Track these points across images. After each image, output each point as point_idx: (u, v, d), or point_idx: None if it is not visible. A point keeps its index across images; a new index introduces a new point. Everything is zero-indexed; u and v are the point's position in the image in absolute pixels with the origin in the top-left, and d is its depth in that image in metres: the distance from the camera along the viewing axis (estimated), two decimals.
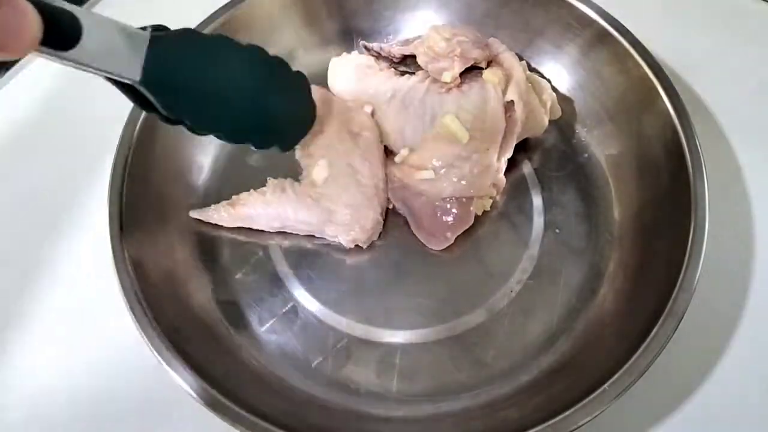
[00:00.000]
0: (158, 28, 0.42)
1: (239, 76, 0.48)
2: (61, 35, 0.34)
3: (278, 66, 0.52)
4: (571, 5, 0.65)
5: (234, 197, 0.62)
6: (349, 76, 0.67)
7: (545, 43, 0.69)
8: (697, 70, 0.71)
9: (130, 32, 0.39)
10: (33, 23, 0.31)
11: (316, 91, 0.64)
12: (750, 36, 0.75)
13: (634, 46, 0.62)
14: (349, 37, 0.72)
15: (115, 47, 0.38)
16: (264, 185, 0.62)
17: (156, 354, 0.49)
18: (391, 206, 0.63)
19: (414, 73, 0.64)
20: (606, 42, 0.63)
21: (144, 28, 0.41)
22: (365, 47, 0.68)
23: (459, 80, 0.61)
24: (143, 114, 0.59)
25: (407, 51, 0.64)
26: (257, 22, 0.67)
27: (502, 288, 0.59)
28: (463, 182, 0.59)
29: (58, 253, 0.63)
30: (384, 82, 0.65)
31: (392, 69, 0.66)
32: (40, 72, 0.75)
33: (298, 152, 0.62)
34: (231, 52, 0.47)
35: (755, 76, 0.72)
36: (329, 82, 0.68)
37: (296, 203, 0.59)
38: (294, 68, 0.70)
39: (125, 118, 0.59)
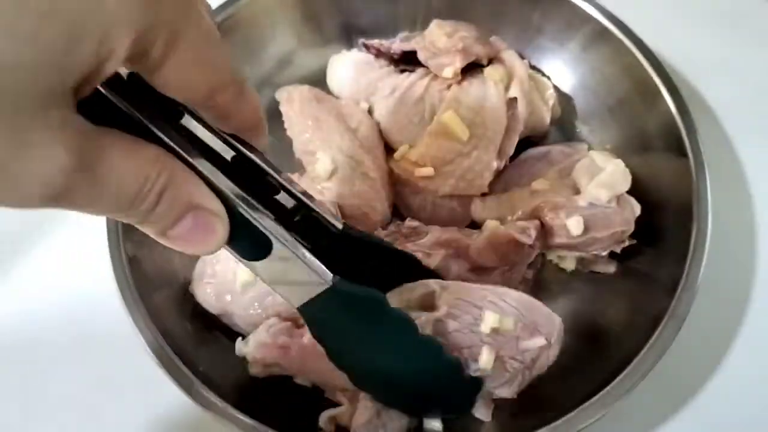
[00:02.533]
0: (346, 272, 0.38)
1: (397, 357, 0.45)
2: (250, 250, 0.34)
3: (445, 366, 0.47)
4: (571, 3, 0.64)
5: None
6: (348, 73, 0.66)
7: (546, 41, 0.68)
8: (700, 69, 0.71)
9: (316, 271, 0.36)
10: (213, 241, 0.31)
11: (309, 92, 0.64)
12: (754, 35, 0.75)
13: (635, 44, 0.61)
14: (348, 35, 0.71)
15: (294, 279, 0.36)
16: None
17: (153, 354, 0.49)
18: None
19: (414, 71, 0.64)
20: (607, 39, 0.63)
21: (333, 272, 0.37)
22: (365, 45, 0.67)
23: (460, 76, 0.60)
24: None
25: (408, 47, 0.63)
26: (256, 20, 0.67)
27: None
28: (463, 180, 0.59)
29: (56, 253, 0.63)
30: (383, 78, 0.64)
31: (392, 66, 0.66)
32: None
33: (298, 150, 0.62)
34: (403, 334, 0.44)
35: (759, 76, 0.72)
36: (328, 79, 0.68)
37: None
38: (293, 67, 0.69)
39: None
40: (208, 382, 0.48)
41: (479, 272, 0.54)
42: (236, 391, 0.51)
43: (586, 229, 0.54)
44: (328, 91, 0.67)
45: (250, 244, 0.33)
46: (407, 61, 0.65)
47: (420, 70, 0.63)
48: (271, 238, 0.33)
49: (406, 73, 0.64)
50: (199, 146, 0.32)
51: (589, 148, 0.62)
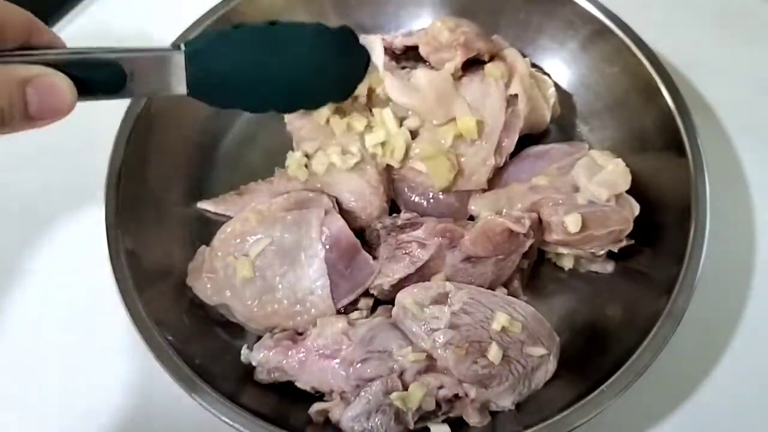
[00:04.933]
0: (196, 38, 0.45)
1: (282, 59, 0.49)
2: (106, 85, 0.40)
3: (320, 36, 0.51)
4: (572, 2, 0.64)
5: (242, 187, 0.62)
6: None
7: (547, 40, 0.68)
8: (700, 68, 0.71)
9: (168, 57, 0.42)
10: (65, 95, 0.36)
11: None
12: (754, 35, 0.75)
13: (635, 43, 0.61)
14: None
15: (159, 76, 0.42)
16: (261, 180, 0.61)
17: (151, 351, 0.49)
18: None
19: (415, 67, 0.64)
20: (607, 39, 0.63)
21: (183, 44, 0.43)
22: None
23: (461, 71, 0.60)
24: (140, 110, 0.59)
25: (410, 42, 0.63)
26: (257, 15, 0.67)
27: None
28: (461, 176, 0.59)
29: (56, 253, 0.63)
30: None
31: (393, 62, 0.66)
32: None
33: (298, 145, 0.62)
34: (268, 39, 0.48)
35: (758, 75, 0.72)
36: None
37: None
38: None
39: (122, 114, 0.58)
40: (204, 375, 0.49)
41: (474, 261, 0.54)
42: (232, 383, 0.51)
43: (584, 226, 0.54)
44: None
45: (104, 81, 0.39)
46: (409, 57, 0.65)
47: (421, 67, 0.63)
48: (121, 63, 0.39)
49: (407, 69, 0.64)
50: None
51: (589, 147, 0.62)
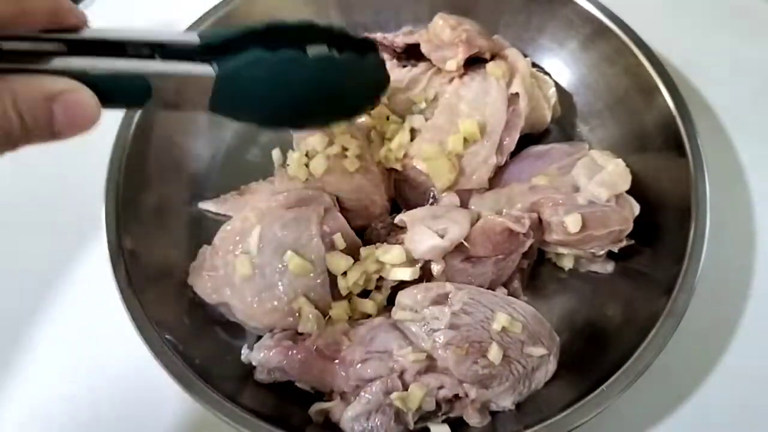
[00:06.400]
0: (224, 46, 0.41)
1: (311, 86, 0.47)
2: (131, 97, 0.38)
3: (345, 65, 0.49)
4: (572, 2, 0.64)
5: (243, 186, 0.62)
6: None
7: (547, 40, 0.68)
8: (700, 68, 0.71)
9: (197, 77, 0.40)
10: (91, 110, 0.35)
11: None
12: (754, 35, 0.75)
13: (635, 43, 0.61)
14: (351, 30, 0.71)
15: (185, 93, 0.40)
16: (262, 180, 0.62)
17: (151, 351, 0.49)
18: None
19: (416, 65, 0.64)
20: (607, 39, 0.63)
21: (209, 57, 0.40)
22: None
23: (462, 69, 0.60)
24: (140, 110, 0.59)
25: (411, 40, 0.63)
26: (258, 15, 0.67)
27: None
28: (462, 175, 0.59)
29: (55, 254, 0.63)
30: None
31: (394, 60, 0.66)
32: None
33: (298, 145, 0.62)
34: (296, 69, 0.45)
35: (759, 75, 0.72)
36: None
37: None
38: None
39: (122, 114, 0.58)
40: (204, 375, 0.49)
41: (474, 261, 0.54)
42: (232, 384, 0.51)
43: (584, 226, 0.54)
44: None
45: (129, 94, 0.38)
46: (410, 55, 0.65)
47: (422, 65, 0.63)
48: (143, 73, 0.37)
49: (408, 68, 0.64)
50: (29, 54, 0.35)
51: (589, 147, 0.62)
